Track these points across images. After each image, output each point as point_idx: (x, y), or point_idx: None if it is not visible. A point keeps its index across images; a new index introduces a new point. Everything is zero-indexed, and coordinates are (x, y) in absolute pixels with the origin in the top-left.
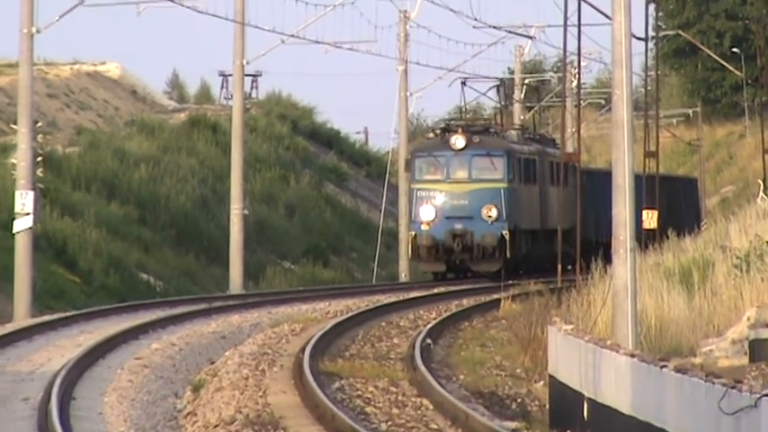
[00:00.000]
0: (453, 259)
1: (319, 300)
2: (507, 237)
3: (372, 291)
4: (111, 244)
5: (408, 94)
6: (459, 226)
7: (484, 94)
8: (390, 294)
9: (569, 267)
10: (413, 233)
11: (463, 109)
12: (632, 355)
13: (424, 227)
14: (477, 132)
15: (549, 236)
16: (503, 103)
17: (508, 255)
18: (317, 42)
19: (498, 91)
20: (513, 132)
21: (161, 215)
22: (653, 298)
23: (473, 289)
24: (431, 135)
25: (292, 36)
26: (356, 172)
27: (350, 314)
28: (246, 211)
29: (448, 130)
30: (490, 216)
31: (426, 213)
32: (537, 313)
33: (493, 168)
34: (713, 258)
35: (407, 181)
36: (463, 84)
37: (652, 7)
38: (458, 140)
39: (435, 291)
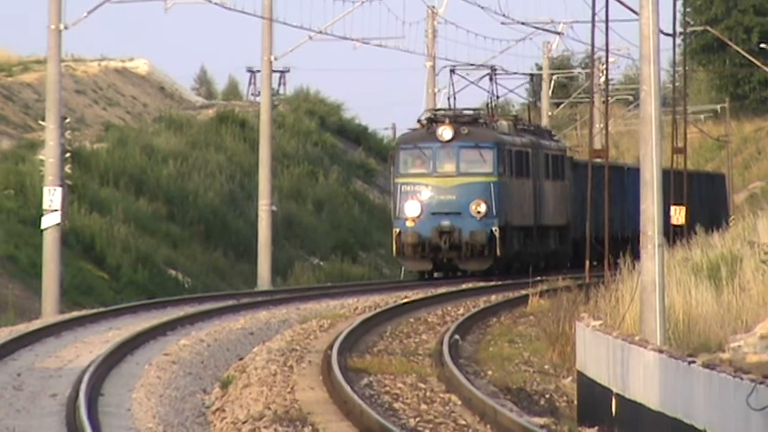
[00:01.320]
0: (440, 258)
1: (347, 296)
2: (497, 234)
3: (400, 287)
4: (139, 240)
5: (436, 90)
6: (446, 222)
7: (473, 83)
8: (418, 290)
9: (568, 265)
10: (397, 230)
11: (452, 98)
12: (660, 351)
13: (408, 223)
14: (466, 123)
15: (543, 233)
16: (493, 93)
17: (498, 253)
18: (345, 38)
19: (491, 80)
20: (505, 123)
21: (189, 211)
22: (681, 294)
23: (501, 285)
24: (417, 126)
25: (320, 32)
26: (384, 168)
27: (378, 310)
28: (275, 208)
29: (434, 120)
30: (479, 212)
31: (411, 209)
32: (565, 309)
33: (482, 161)
34: (741, 254)
35: (393, 175)
36: (452, 72)
37: (680, 3)
38: (445, 131)
39: (464, 287)
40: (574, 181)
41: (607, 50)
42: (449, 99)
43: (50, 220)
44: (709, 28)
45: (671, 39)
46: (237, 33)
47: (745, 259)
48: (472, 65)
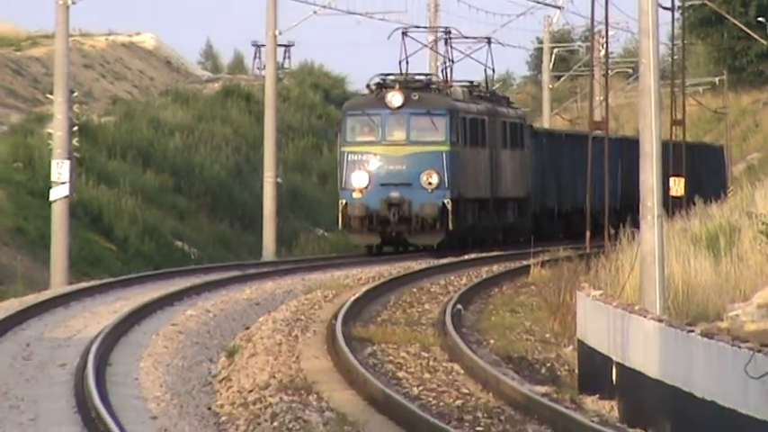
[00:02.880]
0: (389, 231)
1: (352, 266)
2: (449, 206)
3: (404, 257)
4: (146, 212)
5: (438, 63)
6: (395, 194)
7: (427, 46)
8: (421, 261)
9: (521, 240)
10: (343, 201)
11: (404, 62)
12: (660, 320)
13: (355, 195)
14: (417, 89)
15: (500, 205)
16: (449, 58)
17: (450, 227)
18: (349, 13)
19: (447, 42)
20: (459, 89)
21: (196, 183)
22: (680, 263)
23: (503, 255)
24: (366, 91)
25: (324, 7)
26: None
27: (382, 280)
28: (280, 180)
29: (384, 86)
30: (430, 183)
31: (358, 180)
32: (566, 279)
33: (434, 129)
34: (739, 224)
35: (339, 143)
36: (404, 35)
37: None
38: (394, 98)
39: (466, 257)
40: (534, 150)
41: (607, 24)
42: (400, 63)
43: (59, 192)
44: (707, 1)
45: (669, 13)
46: (243, 8)
47: (744, 229)
48: (425, 28)
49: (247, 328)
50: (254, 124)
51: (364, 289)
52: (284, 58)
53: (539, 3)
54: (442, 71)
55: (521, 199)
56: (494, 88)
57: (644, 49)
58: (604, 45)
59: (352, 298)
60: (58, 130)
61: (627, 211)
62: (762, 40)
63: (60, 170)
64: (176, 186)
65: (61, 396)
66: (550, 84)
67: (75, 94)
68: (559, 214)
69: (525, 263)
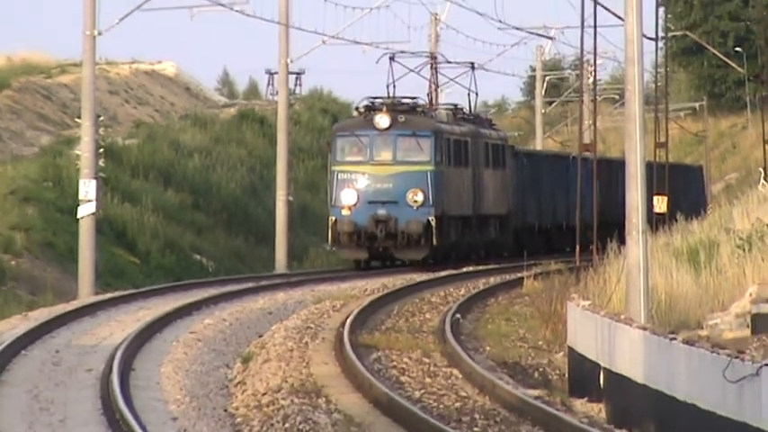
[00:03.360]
0: (376, 246)
1: (358, 279)
2: (434, 223)
3: (406, 270)
4: (167, 227)
5: (439, 87)
6: (382, 211)
7: (413, 70)
8: (422, 273)
9: (505, 254)
10: (333, 218)
11: (391, 86)
12: (644, 329)
13: (344, 212)
14: (403, 111)
15: (482, 222)
16: (432, 82)
17: (435, 242)
18: (356, 42)
19: (433, 68)
20: (443, 112)
21: (213, 201)
22: (663, 276)
23: (498, 268)
24: (355, 113)
25: (333, 37)
26: None
27: (386, 291)
28: (291, 198)
29: (372, 108)
30: (416, 201)
31: (347, 197)
32: (557, 290)
33: (419, 150)
34: (718, 239)
35: (329, 162)
36: (391, 59)
37: (662, 10)
38: (382, 119)
39: (465, 270)
40: (515, 170)
41: (595, 53)
42: (387, 87)
43: (86, 209)
44: (688, 33)
45: (653, 43)
46: (257, 38)
47: (722, 244)
48: (413, 53)
49: (261, 336)
50: (268, 146)
51: (369, 299)
52: (295, 85)
53: (531, 33)
54: (428, 94)
55: (502, 216)
56: (480, 111)
57: (629, 77)
58: (593, 73)
59: (359, 308)
60: (85, 152)
61: (604, 227)
62: (739, 69)
63: (87, 189)
64: (195, 204)
65: (88, 399)
66: (543, 109)
67: (101, 118)
68: (539, 230)
69: (519, 275)
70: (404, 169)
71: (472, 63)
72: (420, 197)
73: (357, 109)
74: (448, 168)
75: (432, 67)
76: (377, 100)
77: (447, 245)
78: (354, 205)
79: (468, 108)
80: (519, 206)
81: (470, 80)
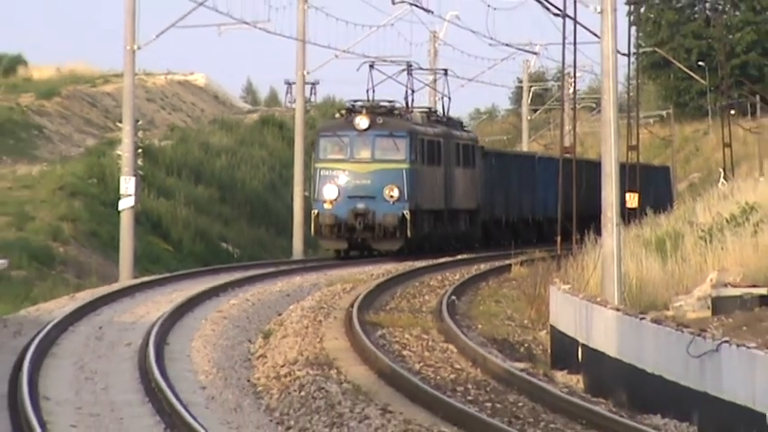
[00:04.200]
0: (355, 237)
1: (365, 264)
2: (408, 217)
3: (408, 257)
4: (197, 219)
5: (437, 97)
6: (361, 205)
7: (390, 77)
8: (422, 260)
9: (476, 245)
10: (316, 211)
11: (370, 91)
12: (617, 309)
13: (326, 205)
14: (381, 114)
15: (453, 216)
16: (408, 87)
17: (409, 234)
18: (364, 56)
19: (409, 73)
20: (418, 114)
21: (238, 196)
22: (634, 263)
23: (489, 256)
24: (337, 115)
25: (344, 51)
26: None
27: (390, 276)
28: (307, 193)
29: (352, 110)
30: (392, 196)
31: (329, 192)
32: (541, 275)
33: (395, 149)
34: (683, 231)
35: (313, 160)
36: (371, 67)
37: (633, 28)
38: (361, 121)
39: (459, 257)
40: (484, 168)
41: (575, 67)
42: (367, 92)
43: (126, 203)
44: (657, 49)
45: (626, 58)
46: (277, 52)
47: (686, 235)
48: (393, 61)
49: (280, 315)
50: (286, 148)
51: (376, 283)
52: (311, 94)
53: (518, 49)
54: (404, 98)
55: (472, 210)
56: (457, 117)
57: (605, 88)
58: (573, 84)
59: (366, 290)
60: (125, 152)
61: (568, 219)
62: (701, 81)
63: (127, 185)
64: (222, 198)
65: (127, 370)
66: (528, 115)
67: (140, 122)
68: (506, 223)
69: (507, 262)
70: (381, 167)
71: (445, 70)
72: (396, 193)
73: (339, 111)
74: (422, 166)
75: (408, 74)
76: (357, 103)
77: (420, 237)
78: (335, 199)
79: (441, 111)
80: (487, 201)
81: (444, 86)
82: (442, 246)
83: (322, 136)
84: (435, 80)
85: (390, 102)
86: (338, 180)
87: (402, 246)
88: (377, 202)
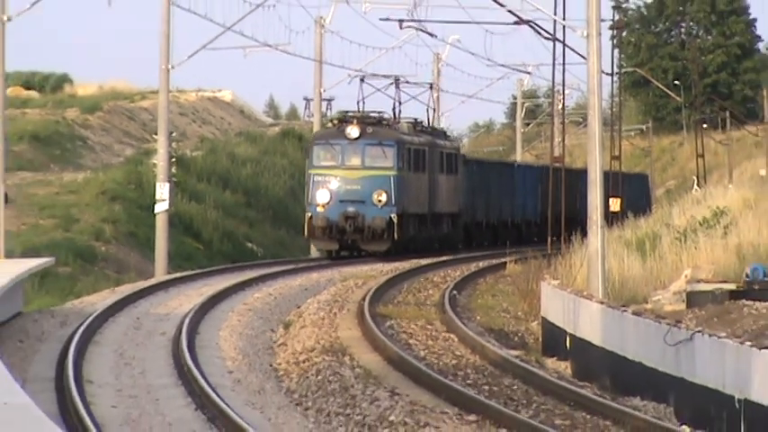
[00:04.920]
0: (346, 239)
1: (375, 262)
2: (395, 220)
3: (414, 256)
4: (225, 221)
5: (441, 112)
6: (351, 209)
7: (379, 90)
8: (427, 258)
9: (460, 246)
10: (309, 214)
11: (361, 103)
12: (602, 303)
13: (319, 209)
14: (371, 124)
15: (436, 219)
16: (396, 99)
17: (396, 236)
18: (374, 75)
19: (397, 86)
20: (405, 124)
21: (261, 200)
22: (617, 261)
23: (487, 254)
24: (329, 125)
25: (357, 71)
26: None
27: (398, 272)
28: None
29: (344, 120)
30: (380, 200)
31: (322, 196)
32: (533, 272)
33: (384, 157)
34: (660, 232)
35: (307, 166)
36: (361, 81)
37: (616, 51)
38: (352, 130)
39: (461, 255)
40: (465, 175)
41: (564, 85)
42: (358, 103)
43: (161, 206)
44: (637, 69)
45: (610, 77)
46: (297, 72)
47: (663, 236)
48: (383, 75)
49: (299, 307)
50: (305, 158)
51: (385, 279)
52: (327, 109)
53: (513, 70)
54: (392, 110)
55: (454, 214)
56: (441, 127)
57: (591, 104)
58: (562, 101)
59: (376, 285)
60: (160, 161)
61: (546, 222)
62: (677, 98)
63: (162, 190)
64: (247, 203)
65: (162, 356)
66: (522, 129)
67: (173, 134)
68: (487, 226)
69: (503, 260)
70: (370, 173)
71: (431, 83)
72: (384, 197)
73: (332, 121)
74: (408, 173)
75: (396, 87)
76: (348, 113)
77: (406, 238)
78: (327, 203)
79: (426, 121)
80: (469, 205)
81: (429, 98)
82: (426, 247)
83: (316, 144)
84: (436, 96)
85: (379, 113)
86: (330, 185)
87: (389, 247)
88: (366, 206)
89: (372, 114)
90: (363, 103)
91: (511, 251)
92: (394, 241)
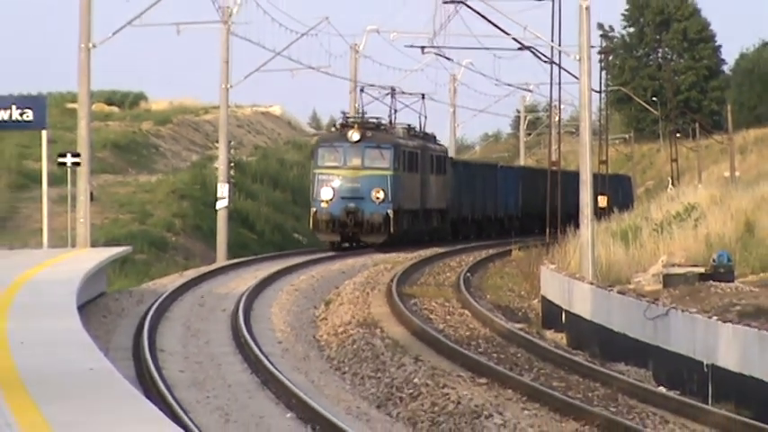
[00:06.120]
0: (347, 232)
1: (401, 251)
2: (392, 215)
3: (434, 245)
4: (275, 215)
5: (456, 124)
6: (352, 205)
7: (377, 99)
8: (445, 247)
9: (449, 238)
10: (314, 209)
11: (360, 111)
12: (591, 283)
13: (323, 204)
14: (370, 128)
15: (427, 214)
16: (393, 108)
17: (392, 230)
18: (403, 93)
19: (392, 98)
20: (401, 129)
21: (305, 198)
22: (604, 248)
23: (495, 243)
24: (333, 129)
25: (384, 88)
26: None
27: (420, 258)
28: None
29: (346, 125)
30: (378, 198)
31: (326, 193)
32: (534, 258)
33: (382, 158)
34: (641, 225)
35: (312, 166)
36: (361, 90)
37: (604, 72)
38: (354, 134)
39: (472, 244)
40: (453, 175)
41: (560, 101)
42: (357, 110)
43: (221, 203)
44: (621, 87)
45: (598, 94)
46: (336, 90)
47: (643, 228)
48: (381, 86)
49: (337, 288)
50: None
51: (409, 264)
52: None
53: (517, 88)
54: (388, 116)
55: (442, 210)
56: (431, 132)
57: (582, 117)
58: (558, 114)
59: (402, 269)
60: (221, 165)
61: (526, 218)
62: (655, 112)
63: (222, 190)
64: (294, 200)
65: (222, 329)
66: (524, 138)
67: (232, 143)
68: (472, 220)
69: (509, 248)
70: (369, 173)
71: (423, 94)
72: (381, 195)
73: (334, 125)
74: (403, 173)
75: (392, 97)
76: (350, 119)
77: (401, 232)
78: (331, 200)
79: (418, 127)
80: (456, 202)
81: (421, 107)
82: (418, 239)
83: (320, 146)
84: (452, 111)
85: (378, 118)
86: (333, 183)
87: (386, 239)
88: (365, 202)
89: (371, 120)
90: (363, 109)
91: (515, 240)
92: (390, 234)
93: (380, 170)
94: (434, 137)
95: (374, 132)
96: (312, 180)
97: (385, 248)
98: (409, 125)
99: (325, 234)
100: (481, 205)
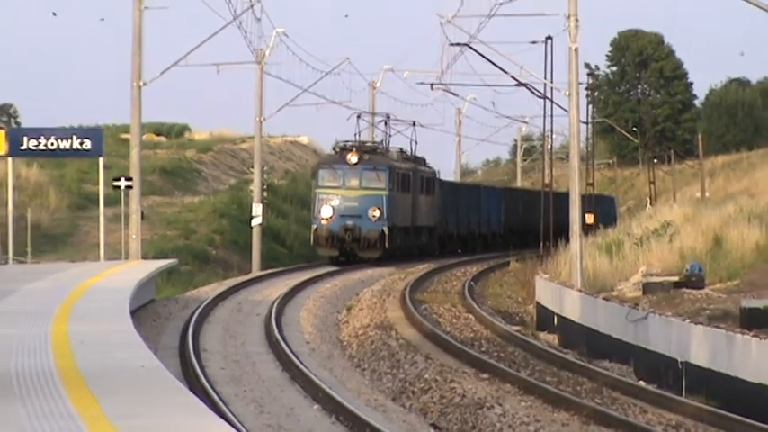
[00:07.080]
0: (345, 247)
1: (414, 262)
2: (387, 232)
3: (443, 257)
4: (303, 231)
5: (461, 151)
6: (350, 222)
7: (372, 124)
8: (452, 258)
9: (437, 253)
10: (314, 227)
11: (357, 136)
12: (580, 291)
13: (323, 222)
14: (367, 152)
15: (417, 231)
16: (387, 133)
17: (387, 246)
18: (414, 124)
19: (386, 123)
20: (395, 153)
21: None
22: (591, 260)
23: (494, 256)
24: (332, 152)
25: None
26: None
27: (430, 268)
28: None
29: (345, 149)
30: (374, 216)
31: (326, 212)
32: (529, 268)
33: (378, 179)
34: (623, 239)
35: (314, 187)
36: (358, 117)
37: (590, 106)
38: (352, 157)
39: (476, 257)
40: (440, 195)
41: (552, 131)
42: (355, 135)
43: (256, 221)
44: (606, 119)
45: (585, 125)
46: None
47: (626, 242)
48: (375, 113)
49: (357, 295)
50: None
51: (421, 273)
52: None
53: (514, 120)
54: (382, 141)
55: (431, 227)
56: (421, 156)
57: (572, 145)
58: (550, 143)
59: (414, 278)
60: (255, 188)
61: (508, 233)
62: (635, 141)
63: (257, 209)
64: None
65: (257, 331)
66: (521, 163)
67: (265, 168)
68: (458, 236)
69: (507, 260)
70: (366, 193)
71: (414, 122)
72: (377, 213)
73: (334, 149)
74: (397, 193)
75: (386, 124)
76: (348, 143)
77: (395, 247)
78: (330, 217)
79: (410, 151)
80: (443, 220)
81: (412, 133)
82: (409, 254)
83: (321, 168)
84: (458, 140)
85: (374, 143)
86: (333, 202)
87: (381, 254)
88: (362, 220)
89: (368, 144)
90: (359, 134)
91: (513, 253)
92: (385, 249)
93: (377, 190)
94: (424, 160)
95: (371, 155)
96: (313, 199)
97: (382, 263)
98: (401, 149)
99: (324, 249)
100: (466, 223)
